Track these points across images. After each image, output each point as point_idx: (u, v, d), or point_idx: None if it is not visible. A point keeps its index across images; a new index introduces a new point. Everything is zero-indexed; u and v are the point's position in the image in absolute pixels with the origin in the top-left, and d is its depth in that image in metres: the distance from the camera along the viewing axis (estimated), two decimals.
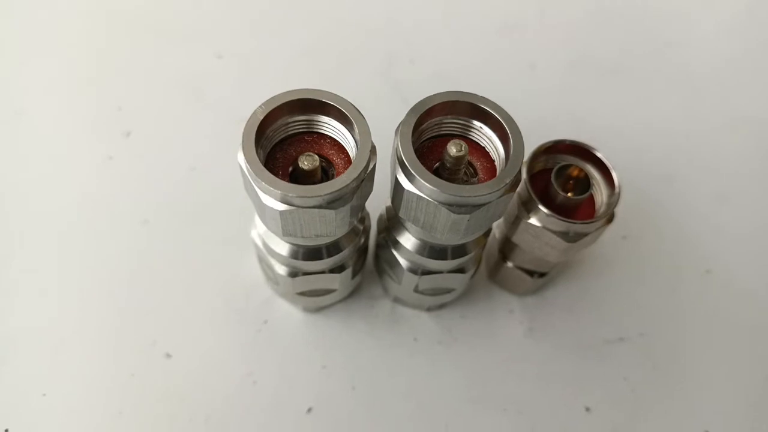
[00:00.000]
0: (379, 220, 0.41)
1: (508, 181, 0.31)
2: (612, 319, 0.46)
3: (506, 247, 0.43)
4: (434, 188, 0.31)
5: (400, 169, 0.32)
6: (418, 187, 0.31)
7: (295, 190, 0.30)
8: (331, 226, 0.32)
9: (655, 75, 0.57)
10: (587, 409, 0.43)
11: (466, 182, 0.34)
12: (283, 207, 0.31)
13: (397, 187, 0.33)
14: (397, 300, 0.45)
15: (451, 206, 0.31)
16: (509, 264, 0.43)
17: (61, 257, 0.45)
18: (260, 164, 0.30)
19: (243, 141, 0.31)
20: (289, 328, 0.44)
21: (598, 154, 0.38)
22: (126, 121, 0.50)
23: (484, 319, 0.45)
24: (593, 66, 0.57)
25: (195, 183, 0.48)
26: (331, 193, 0.30)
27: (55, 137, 0.50)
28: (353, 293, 0.45)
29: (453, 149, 0.32)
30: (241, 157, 0.31)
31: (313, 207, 0.31)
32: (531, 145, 0.50)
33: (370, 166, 0.32)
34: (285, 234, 0.33)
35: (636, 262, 0.48)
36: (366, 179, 0.32)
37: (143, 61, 0.53)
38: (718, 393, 0.44)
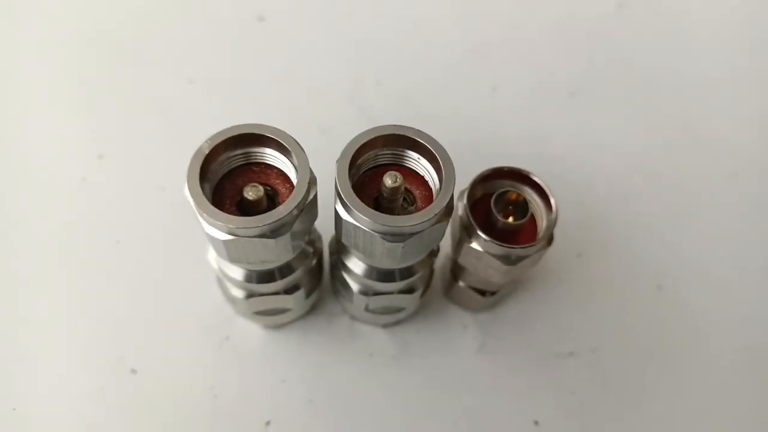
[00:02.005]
0: (331, 242, 0.43)
1: (438, 212, 0.33)
2: (563, 335, 0.47)
3: (456, 268, 0.44)
4: (368, 219, 0.32)
5: (338, 200, 0.34)
6: (354, 218, 0.33)
7: (234, 221, 0.32)
8: (273, 253, 0.34)
9: (616, 96, 0.58)
10: (536, 423, 0.44)
11: (405, 209, 0.36)
12: (225, 237, 0.33)
13: (336, 217, 0.35)
14: (353, 317, 0.47)
15: (384, 235, 0.33)
16: (460, 283, 0.45)
17: (33, 274, 0.47)
18: (203, 197, 0.32)
19: (188, 175, 0.33)
20: (250, 343, 0.46)
21: (536, 179, 0.40)
22: (99, 143, 0.52)
23: (438, 335, 0.47)
24: (555, 88, 0.58)
25: (164, 204, 0.50)
26: (271, 223, 0.32)
27: (31, 158, 0.52)
28: (312, 310, 0.47)
29: (388, 181, 0.34)
30: (186, 191, 0.33)
31: (255, 236, 0.33)
32: (489, 166, 0.53)
33: (310, 196, 0.34)
34: (231, 261, 0.35)
35: (589, 279, 0.50)
36: (307, 208, 0.34)
37: (117, 84, 0.55)
38: (666, 408, 0.45)
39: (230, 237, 0.33)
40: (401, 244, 0.33)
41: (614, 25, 0.62)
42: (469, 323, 0.47)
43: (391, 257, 0.35)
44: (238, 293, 0.41)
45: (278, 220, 0.32)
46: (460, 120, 0.56)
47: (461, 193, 0.41)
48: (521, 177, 0.40)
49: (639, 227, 0.52)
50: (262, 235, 0.33)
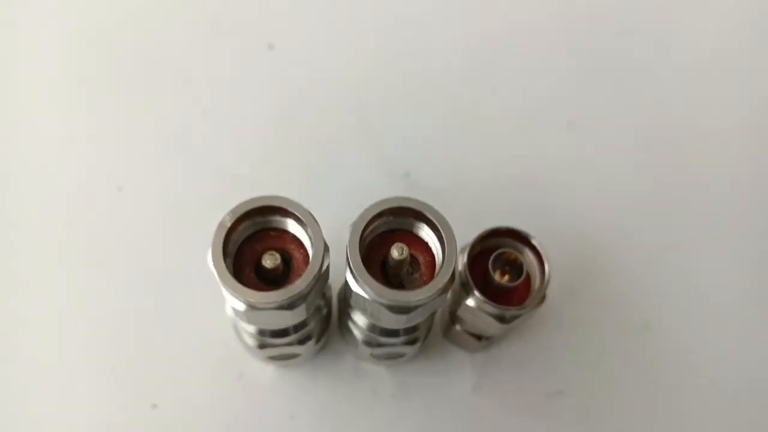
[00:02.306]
0: (340, 290, 0.46)
1: (440, 287, 0.36)
2: (553, 373, 0.51)
3: (453, 314, 0.47)
4: (375, 293, 0.35)
5: (348, 271, 0.37)
6: (363, 290, 0.36)
7: (254, 296, 0.35)
8: (289, 320, 0.37)
9: (610, 130, 0.60)
10: None
11: (410, 274, 0.39)
12: (245, 307, 0.36)
13: (347, 284, 0.38)
14: (358, 358, 0.50)
15: (391, 307, 0.36)
16: (458, 327, 0.48)
17: (53, 311, 0.50)
18: (226, 272, 0.35)
19: (212, 249, 0.36)
20: (262, 380, 0.49)
21: (534, 242, 0.43)
22: (117, 175, 0.55)
23: (436, 375, 0.50)
24: (549, 121, 0.60)
25: (179, 242, 0.53)
26: (288, 297, 0.35)
27: (48, 193, 0.54)
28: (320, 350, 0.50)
29: (395, 253, 0.37)
30: (210, 263, 0.36)
31: (272, 309, 0.36)
32: (485, 204, 0.55)
33: (324, 266, 0.37)
34: (250, 324, 0.38)
35: (579, 317, 0.53)
36: (321, 276, 0.37)
37: (131, 114, 0.58)
38: None
39: (249, 308, 0.36)
40: (406, 315, 0.36)
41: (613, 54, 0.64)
42: (465, 363, 0.50)
43: (397, 323, 0.38)
44: (252, 343, 0.44)
45: (295, 294, 0.35)
46: (461, 158, 0.58)
47: (462, 249, 0.44)
48: (519, 236, 0.43)
49: (629, 264, 0.55)
50: (279, 308, 0.36)
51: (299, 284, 0.35)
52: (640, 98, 0.62)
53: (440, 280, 0.36)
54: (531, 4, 0.65)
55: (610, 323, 0.53)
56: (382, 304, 0.36)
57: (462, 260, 0.43)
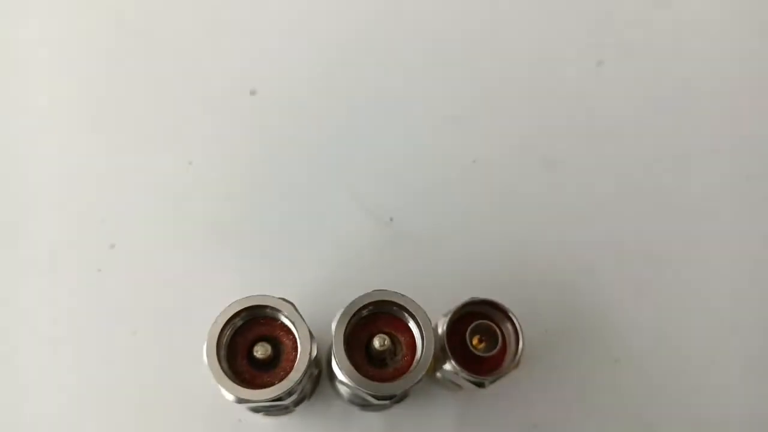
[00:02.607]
0: (328, 351, 0.48)
1: (417, 379, 0.39)
2: (529, 409, 0.54)
3: (436, 367, 0.51)
4: (361, 386, 0.38)
5: (335, 362, 0.40)
6: (348, 380, 0.39)
7: (248, 394, 0.38)
8: (285, 405, 0.40)
9: (589, 166, 0.62)
10: None
11: (393, 355, 0.42)
12: (241, 402, 0.39)
13: (330, 371, 0.41)
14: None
15: (375, 396, 0.39)
16: (438, 375, 0.51)
17: (53, 363, 0.53)
18: (221, 372, 0.38)
19: (207, 349, 0.39)
20: (260, 427, 0.52)
21: (511, 315, 0.45)
22: (109, 233, 0.57)
23: (422, 414, 0.54)
24: (533, 157, 0.62)
25: (175, 291, 0.55)
26: (279, 393, 0.38)
27: (44, 249, 0.56)
28: None
29: (377, 343, 0.40)
30: (205, 362, 0.39)
31: (266, 401, 0.39)
32: (470, 236, 0.57)
33: (313, 356, 0.40)
34: (249, 408, 0.41)
35: (555, 354, 0.56)
36: (310, 366, 0.40)
37: (121, 169, 0.59)
38: None
39: (244, 402, 0.39)
40: (388, 401, 0.40)
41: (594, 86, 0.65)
42: (449, 402, 0.54)
43: (382, 404, 0.41)
44: (245, 408, 0.47)
45: (286, 390, 0.38)
46: (443, 195, 0.60)
47: (444, 315, 0.46)
48: (498, 307, 0.46)
49: (602, 300, 0.58)
50: (272, 399, 0.39)
51: (291, 378, 0.38)
52: (625, 126, 0.63)
53: (418, 372, 0.39)
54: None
55: (582, 358, 0.56)
56: (367, 394, 0.39)
57: (441, 326, 0.45)
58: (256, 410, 0.46)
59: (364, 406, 0.48)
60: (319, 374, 0.50)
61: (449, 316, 0.46)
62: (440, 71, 0.64)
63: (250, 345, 0.41)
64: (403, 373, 0.40)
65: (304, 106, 0.62)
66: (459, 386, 0.51)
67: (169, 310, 0.55)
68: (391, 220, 0.58)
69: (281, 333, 0.42)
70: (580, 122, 0.63)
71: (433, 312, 0.44)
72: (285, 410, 0.48)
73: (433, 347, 0.39)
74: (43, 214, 0.57)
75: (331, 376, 0.49)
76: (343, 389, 0.46)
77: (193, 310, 0.54)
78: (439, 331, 0.46)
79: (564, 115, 0.63)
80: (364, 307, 0.40)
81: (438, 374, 0.51)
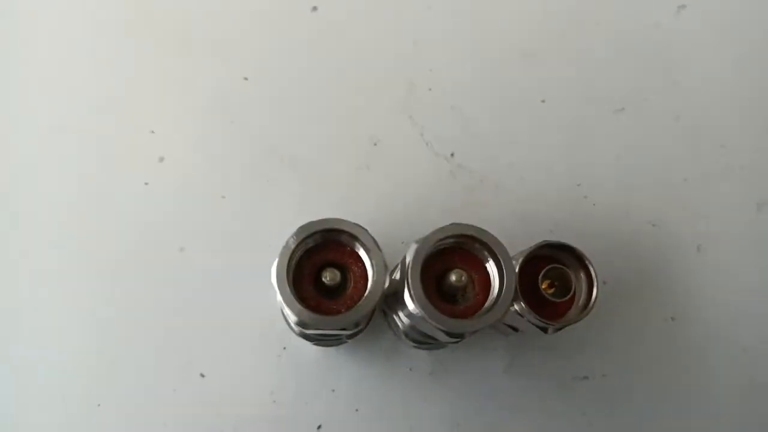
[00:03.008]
0: (390, 283, 0.47)
1: (497, 318, 0.37)
2: (581, 359, 0.53)
3: None
4: (434, 321, 0.37)
5: (408, 293, 0.38)
6: (421, 311, 0.37)
7: (316, 320, 0.36)
8: (339, 337, 0.39)
9: (660, 115, 0.59)
10: None
11: (465, 293, 0.40)
12: (303, 327, 0.37)
13: (403, 303, 0.39)
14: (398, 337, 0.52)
15: (446, 332, 0.37)
16: None
17: (106, 283, 0.52)
18: (291, 296, 0.36)
19: (276, 273, 0.37)
20: (305, 354, 0.51)
21: (587, 262, 0.43)
22: (159, 145, 0.54)
23: (471, 355, 0.52)
24: (602, 102, 0.59)
25: (226, 210, 0.53)
26: (346, 323, 0.36)
27: (94, 160, 0.54)
28: None
29: (453, 278, 0.38)
30: (274, 283, 0.37)
31: (332, 329, 0.37)
32: (532, 177, 0.55)
33: (385, 288, 0.38)
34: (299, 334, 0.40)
35: (611, 307, 0.54)
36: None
37: (172, 81, 0.56)
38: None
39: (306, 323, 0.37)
40: (458, 339, 0.38)
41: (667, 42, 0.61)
42: (499, 345, 0.53)
43: (448, 339, 0.39)
44: (298, 331, 0.45)
45: (355, 318, 0.36)
46: (507, 133, 0.57)
47: (513, 258, 0.44)
48: (574, 254, 0.44)
49: (662, 256, 0.56)
50: (340, 328, 0.37)
51: (361, 307, 0.36)
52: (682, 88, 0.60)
53: (497, 312, 0.37)
54: None
55: (637, 314, 0.54)
56: (437, 328, 0.37)
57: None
58: (308, 338, 0.45)
59: (420, 342, 0.46)
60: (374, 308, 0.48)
61: (521, 258, 0.43)
62: (517, 4, 0.60)
63: (318, 270, 0.39)
64: (475, 311, 0.38)
65: (368, 27, 0.59)
66: (515, 330, 0.49)
67: (217, 229, 0.53)
68: (452, 155, 0.55)
69: (350, 260, 0.39)
70: (655, 67, 0.60)
71: None
72: (337, 341, 0.47)
73: (513, 289, 0.37)
74: (91, 122, 0.55)
75: (388, 308, 0.47)
76: (404, 322, 0.44)
77: (242, 231, 0.53)
78: None
79: (641, 59, 0.60)
80: (443, 239, 0.38)
81: None
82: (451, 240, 0.39)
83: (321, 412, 0.50)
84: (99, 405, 0.49)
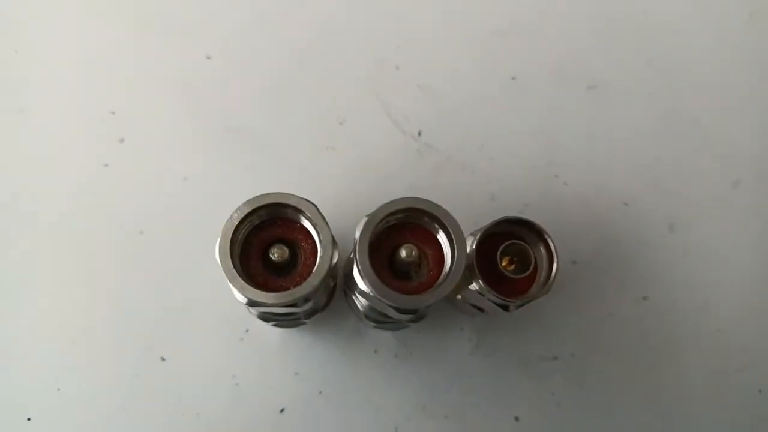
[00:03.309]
0: (346, 262, 0.46)
1: (445, 293, 0.36)
2: (549, 340, 0.52)
3: (457, 290, 0.48)
4: (384, 298, 0.36)
5: (356, 270, 0.37)
6: (371, 290, 0.36)
7: (261, 296, 0.35)
8: (295, 316, 0.38)
9: (633, 92, 0.58)
10: (516, 419, 0.51)
11: (418, 268, 0.39)
12: (251, 306, 0.36)
13: (347, 283, 0.38)
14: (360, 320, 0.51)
15: (396, 308, 0.37)
16: (459, 297, 0.48)
17: (63, 266, 0.51)
18: (234, 272, 0.35)
19: (219, 245, 0.36)
20: (268, 337, 0.50)
21: (546, 237, 0.42)
22: (119, 126, 0.53)
23: (436, 336, 0.51)
24: (574, 79, 0.58)
25: (188, 192, 0.52)
26: (295, 298, 0.35)
27: (54, 139, 0.53)
28: None
29: (404, 253, 0.37)
30: (217, 259, 0.36)
31: (280, 305, 0.36)
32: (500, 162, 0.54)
33: (333, 262, 0.37)
34: (258, 316, 0.39)
35: (581, 286, 0.53)
36: (329, 273, 0.37)
37: (134, 62, 0.55)
38: (636, 413, 0.51)
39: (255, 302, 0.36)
40: (408, 317, 0.37)
41: (645, 16, 0.60)
42: (465, 326, 0.52)
43: (401, 316, 0.38)
44: (256, 314, 0.44)
45: (303, 294, 0.35)
46: (477, 111, 0.56)
47: (472, 233, 0.43)
48: (533, 229, 0.43)
49: (633, 235, 0.55)
50: (289, 304, 0.36)
51: (308, 284, 0.36)
52: (662, 71, 0.59)
53: (448, 285, 0.36)
54: None
55: (609, 293, 0.53)
56: (387, 304, 0.36)
57: (470, 245, 0.42)
58: (266, 318, 0.44)
59: (380, 322, 0.45)
60: (334, 287, 0.47)
61: (479, 234, 0.42)
62: None
63: (266, 247, 0.38)
64: (427, 287, 0.38)
65: (335, 3, 0.58)
66: (480, 309, 0.48)
67: (179, 210, 0.52)
68: (419, 134, 0.54)
69: (300, 237, 0.39)
70: (628, 45, 0.59)
71: None
72: (296, 321, 0.46)
73: (464, 261, 0.36)
74: (49, 102, 0.54)
75: (348, 288, 0.46)
76: (360, 302, 0.43)
77: (204, 211, 0.52)
78: (467, 249, 0.43)
79: (614, 36, 0.59)
80: (393, 213, 0.37)
81: (459, 296, 0.48)
82: (402, 215, 0.38)
83: (284, 395, 0.50)
84: (59, 390, 0.48)
